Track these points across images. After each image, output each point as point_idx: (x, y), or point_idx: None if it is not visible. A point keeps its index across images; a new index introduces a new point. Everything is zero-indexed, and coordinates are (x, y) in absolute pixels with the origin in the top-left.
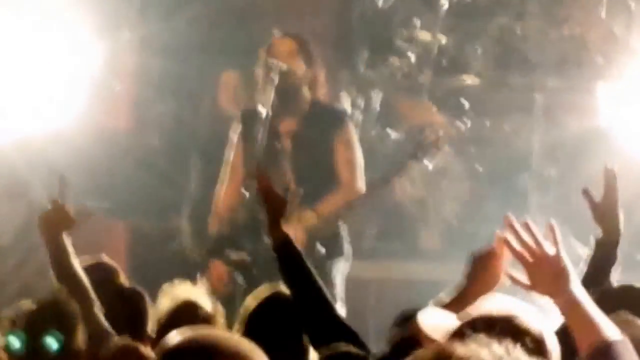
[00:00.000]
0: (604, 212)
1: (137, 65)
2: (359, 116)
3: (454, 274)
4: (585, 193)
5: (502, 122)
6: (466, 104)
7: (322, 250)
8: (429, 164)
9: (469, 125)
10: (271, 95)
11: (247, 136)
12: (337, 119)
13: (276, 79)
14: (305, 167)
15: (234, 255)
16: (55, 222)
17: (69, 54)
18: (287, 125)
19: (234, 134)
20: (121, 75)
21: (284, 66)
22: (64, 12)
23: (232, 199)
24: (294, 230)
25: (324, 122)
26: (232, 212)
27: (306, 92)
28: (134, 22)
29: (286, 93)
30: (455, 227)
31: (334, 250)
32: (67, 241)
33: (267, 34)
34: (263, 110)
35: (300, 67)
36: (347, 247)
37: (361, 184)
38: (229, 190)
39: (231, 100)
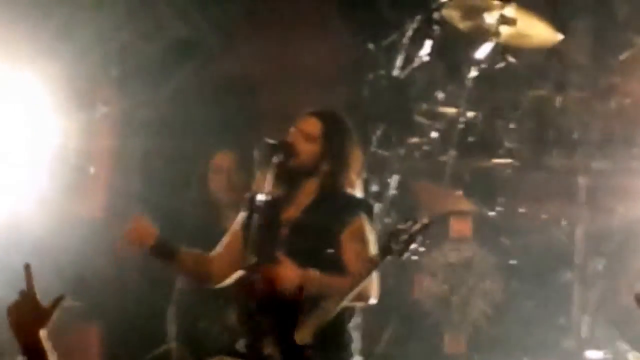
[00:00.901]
0: None
1: (114, 145)
2: (372, 203)
3: None
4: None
5: (539, 209)
6: (497, 189)
7: None
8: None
9: (500, 212)
10: (272, 179)
11: (246, 222)
12: (349, 208)
13: (275, 160)
14: (303, 259)
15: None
16: (29, 317)
17: (34, 132)
18: (290, 212)
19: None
20: (96, 157)
21: (288, 146)
22: (29, 86)
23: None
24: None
25: (334, 210)
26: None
27: (317, 177)
28: (110, 96)
29: (289, 177)
30: (485, 330)
31: (339, 353)
32: (47, 342)
33: (265, 109)
34: (263, 196)
35: (313, 150)
36: (354, 350)
37: (372, 285)
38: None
39: (224, 185)
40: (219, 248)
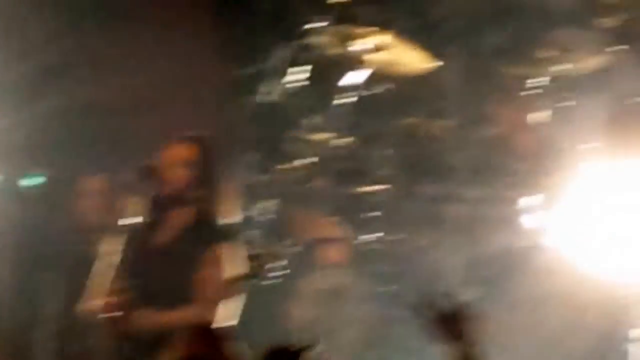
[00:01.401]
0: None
1: None
2: (243, 230)
3: None
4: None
5: (413, 236)
6: (371, 215)
7: None
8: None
9: (375, 239)
10: (147, 205)
11: (118, 249)
12: (213, 234)
13: (150, 186)
14: (173, 285)
15: None
16: None
17: None
18: (162, 238)
19: (108, 246)
20: None
21: (166, 173)
22: None
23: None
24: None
25: (202, 236)
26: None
27: (190, 203)
28: None
29: (165, 203)
30: (362, 357)
31: None
32: None
33: (138, 133)
34: (137, 222)
35: (185, 176)
36: None
37: (218, 308)
38: (92, 307)
39: (95, 209)
40: (97, 284)
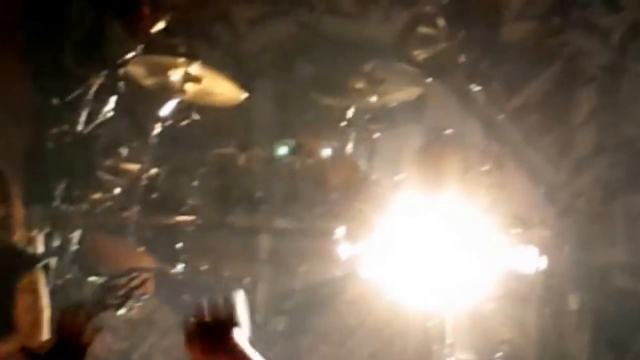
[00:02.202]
0: None
1: None
2: (53, 260)
3: None
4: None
5: (221, 267)
6: (179, 246)
7: None
8: (122, 312)
9: (181, 270)
10: None
11: None
12: (24, 262)
13: None
14: None
15: None
16: None
17: None
18: None
19: None
20: None
21: None
22: None
23: None
24: None
25: (10, 266)
26: None
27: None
28: None
29: None
30: None
31: None
32: None
33: None
34: None
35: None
36: None
37: (41, 337)
38: None
39: None
40: None
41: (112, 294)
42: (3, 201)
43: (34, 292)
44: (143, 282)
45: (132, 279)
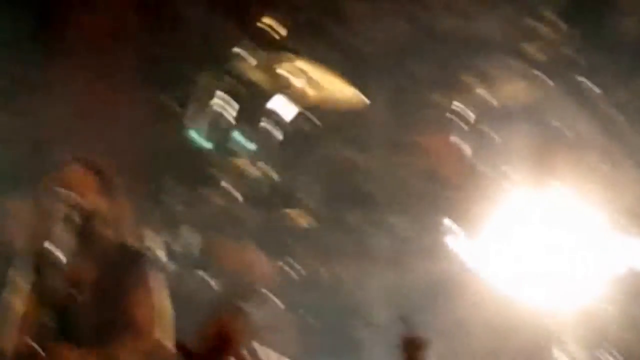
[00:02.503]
0: None
1: None
2: (169, 260)
3: None
4: None
5: (337, 266)
6: (296, 245)
7: None
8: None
9: (299, 270)
10: (66, 236)
11: (35, 282)
12: (135, 260)
13: (71, 215)
14: (103, 316)
15: None
16: None
17: None
18: (82, 269)
19: (19, 277)
20: None
21: (81, 201)
22: None
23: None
24: None
25: (124, 264)
26: None
27: (106, 231)
28: None
29: (82, 232)
30: None
31: None
32: None
33: (56, 160)
34: (55, 252)
35: (98, 201)
36: None
37: (163, 334)
38: (9, 342)
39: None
40: (14, 319)
41: (239, 294)
42: (110, 200)
43: (146, 288)
44: (268, 281)
45: (262, 278)
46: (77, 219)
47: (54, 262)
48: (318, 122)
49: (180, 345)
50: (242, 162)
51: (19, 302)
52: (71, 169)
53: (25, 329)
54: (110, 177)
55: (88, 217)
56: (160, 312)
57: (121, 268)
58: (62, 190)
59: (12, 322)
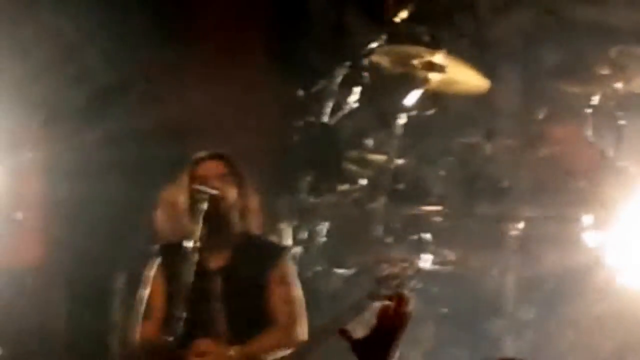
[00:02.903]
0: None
1: (43, 190)
2: (301, 250)
3: None
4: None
5: (469, 257)
6: (427, 236)
7: None
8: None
9: (430, 260)
10: (198, 225)
11: (168, 273)
12: (272, 253)
13: (204, 207)
14: (239, 309)
15: None
16: None
17: None
18: (217, 260)
19: (149, 271)
20: (24, 203)
21: (214, 192)
22: None
23: (152, 345)
24: None
25: (258, 257)
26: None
27: (238, 222)
28: (37, 140)
29: (216, 223)
30: None
31: None
32: None
33: (192, 153)
34: (188, 244)
35: (231, 193)
36: None
37: (301, 327)
38: (148, 334)
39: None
40: (149, 311)
41: (387, 285)
42: (240, 191)
43: (287, 281)
44: (417, 272)
45: (405, 268)
46: (211, 210)
47: (189, 254)
48: (448, 112)
49: (343, 331)
50: (376, 155)
51: (153, 295)
52: (205, 162)
53: (160, 323)
54: (241, 170)
55: (222, 209)
56: (301, 306)
57: (261, 261)
58: (196, 182)
59: (147, 315)
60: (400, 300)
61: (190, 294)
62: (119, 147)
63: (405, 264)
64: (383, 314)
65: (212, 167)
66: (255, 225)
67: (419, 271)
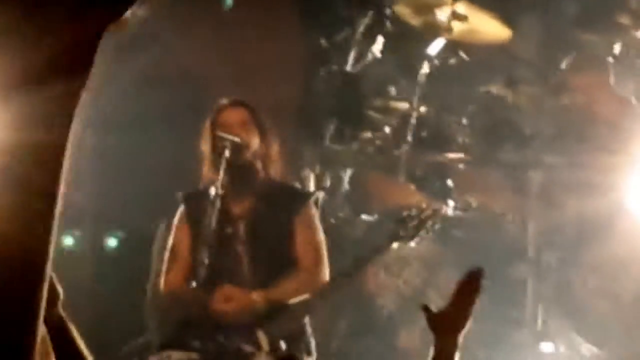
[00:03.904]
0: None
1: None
2: (324, 196)
3: None
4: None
5: (491, 204)
6: (450, 183)
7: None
8: (414, 244)
9: (453, 207)
10: (221, 172)
11: (193, 220)
12: (296, 199)
13: (227, 154)
14: (263, 254)
15: (178, 356)
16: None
17: None
18: (241, 206)
19: (178, 217)
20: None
21: (236, 139)
22: None
23: (177, 291)
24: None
25: (282, 202)
26: (176, 306)
27: (261, 170)
28: None
29: (239, 170)
30: None
31: (300, 349)
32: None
33: (214, 102)
34: (212, 190)
35: (254, 140)
36: (314, 346)
37: (324, 271)
38: (173, 281)
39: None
40: (174, 258)
41: (405, 226)
42: (262, 138)
43: (311, 226)
44: (434, 214)
45: (424, 210)
46: (234, 157)
47: (212, 201)
48: (470, 61)
49: (424, 307)
50: (399, 103)
51: (178, 242)
52: (227, 109)
53: (185, 269)
54: (263, 118)
55: (245, 156)
56: (324, 251)
57: (285, 207)
58: (219, 130)
59: (171, 262)
60: (477, 274)
61: (214, 241)
62: (140, 96)
63: (425, 207)
64: (461, 288)
65: (235, 115)
66: (278, 172)
67: (437, 213)
